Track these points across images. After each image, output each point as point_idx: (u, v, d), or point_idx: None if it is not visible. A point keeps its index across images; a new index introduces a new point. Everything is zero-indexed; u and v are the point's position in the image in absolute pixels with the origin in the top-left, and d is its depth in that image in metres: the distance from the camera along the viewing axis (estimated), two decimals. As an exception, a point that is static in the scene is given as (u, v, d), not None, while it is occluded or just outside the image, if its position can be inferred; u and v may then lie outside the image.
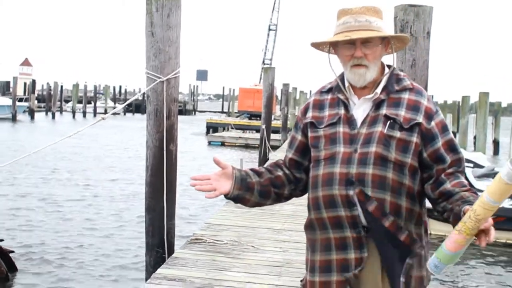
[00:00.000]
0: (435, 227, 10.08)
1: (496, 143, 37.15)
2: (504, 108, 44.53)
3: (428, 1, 4.94)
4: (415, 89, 2.52)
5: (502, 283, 9.73)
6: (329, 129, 2.51)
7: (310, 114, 2.61)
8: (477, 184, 12.01)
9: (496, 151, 36.13)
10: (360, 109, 2.50)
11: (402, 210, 2.42)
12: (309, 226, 2.58)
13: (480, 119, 30.24)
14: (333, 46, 2.58)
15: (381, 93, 2.48)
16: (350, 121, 2.49)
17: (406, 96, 2.49)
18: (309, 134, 2.58)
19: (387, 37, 2.51)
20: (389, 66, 2.57)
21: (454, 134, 47.22)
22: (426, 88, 4.97)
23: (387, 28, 2.52)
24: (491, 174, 13.40)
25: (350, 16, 2.47)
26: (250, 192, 2.60)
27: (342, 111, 2.51)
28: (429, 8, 4.97)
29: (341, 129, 2.49)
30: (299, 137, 2.65)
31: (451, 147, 2.46)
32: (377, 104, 2.47)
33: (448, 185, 2.38)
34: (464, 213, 2.13)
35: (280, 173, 2.66)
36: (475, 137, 31.73)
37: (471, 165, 13.65)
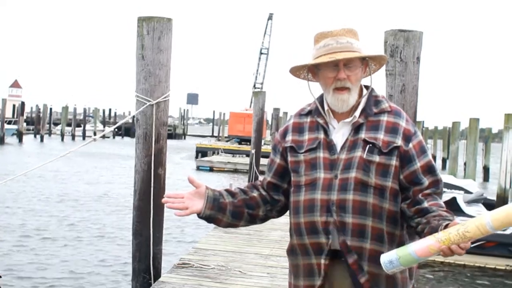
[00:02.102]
0: None
1: (486, 170, 37.24)
2: (494, 134, 44.66)
3: (418, 26, 4.97)
4: (393, 111, 2.52)
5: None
6: (309, 154, 2.50)
7: (289, 137, 2.59)
8: (467, 209, 12.03)
9: (486, 178, 36.23)
10: (339, 133, 2.49)
11: (383, 235, 2.42)
12: (291, 251, 2.58)
13: (470, 145, 30.29)
14: (312, 71, 2.57)
15: (359, 116, 2.48)
16: (329, 146, 2.48)
17: (384, 118, 2.48)
18: (289, 159, 2.57)
19: (366, 59, 2.51)
20: (366, 87, 2.56)
21: (444, 160, 47.69)
22: (415, 114, 4.96)
23: (365, 49, 2.52)
24: (480, 200, 13.53)
25: (331, 39, 2.47)
26: (222, 212, 2.58)
27: (321, 136, 2.51)
28: (419, 33, 4.97)
29: (321, 154, 2.48)
30: (277, 160, 2.64)
31: (429, 169, 2.45)
32: (356, 128, 2.47)
33: (425, 204, 2.38)
34: (445, 228, 2.14)
35: (255, 194, 2.64)
36: (465, 163, 31.78)
37: (462, 191, 13.70)
